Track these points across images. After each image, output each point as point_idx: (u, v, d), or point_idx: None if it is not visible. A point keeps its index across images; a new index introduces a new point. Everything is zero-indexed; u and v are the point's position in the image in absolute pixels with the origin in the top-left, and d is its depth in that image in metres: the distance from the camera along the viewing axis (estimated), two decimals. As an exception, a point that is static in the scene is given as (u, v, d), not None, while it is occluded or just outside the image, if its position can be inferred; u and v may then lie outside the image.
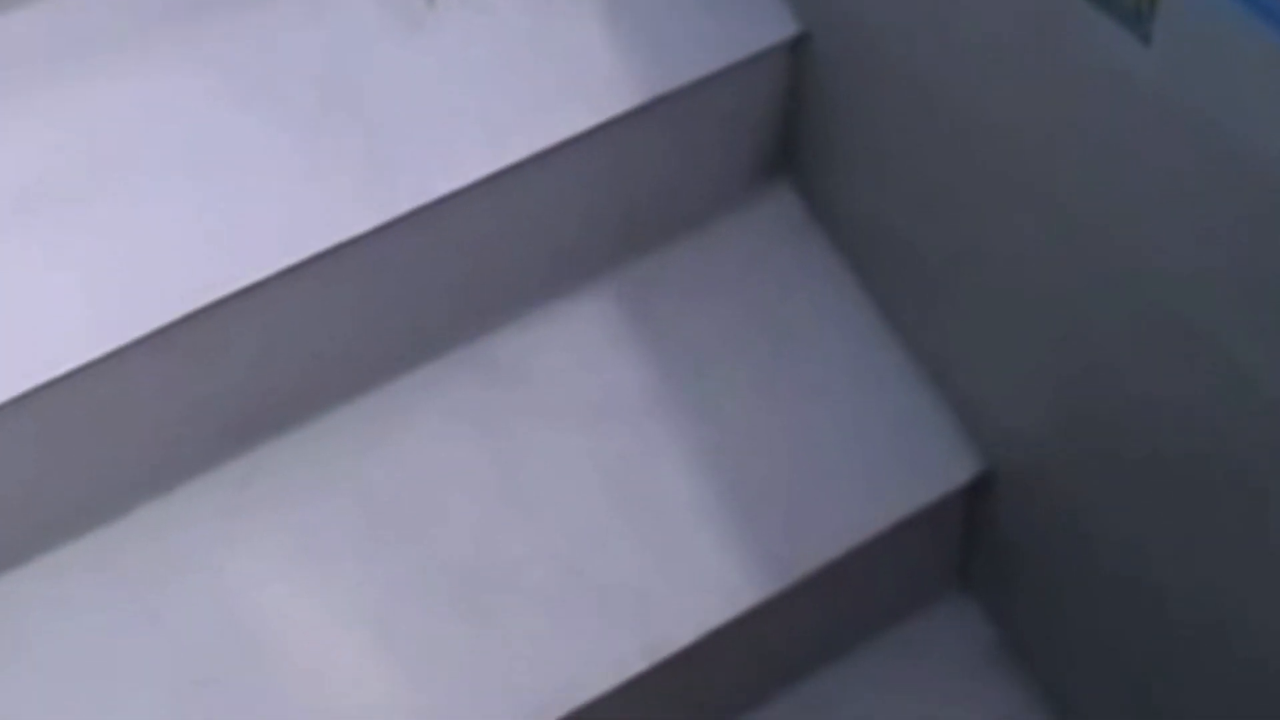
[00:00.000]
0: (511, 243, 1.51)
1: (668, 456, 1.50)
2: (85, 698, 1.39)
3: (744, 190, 1.63)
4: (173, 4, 1.48)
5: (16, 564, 1.42)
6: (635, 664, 1.42)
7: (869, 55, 1.46)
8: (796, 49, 1.53)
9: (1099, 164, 1.19)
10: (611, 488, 1.49)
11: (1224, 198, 1.06)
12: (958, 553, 1.62)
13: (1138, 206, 1.16)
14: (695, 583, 1.45)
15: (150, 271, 1.36)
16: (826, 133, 1.57)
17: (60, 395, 1.33)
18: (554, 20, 1.51)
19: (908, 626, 1.62)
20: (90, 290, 1.35)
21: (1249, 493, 1.19)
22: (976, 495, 1.53)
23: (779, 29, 1.52)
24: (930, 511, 1.50)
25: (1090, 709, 1.55)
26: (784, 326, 1.56)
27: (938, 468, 1.50)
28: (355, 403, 1.51)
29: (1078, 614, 1.51)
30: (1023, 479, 1.50)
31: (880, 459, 1.50)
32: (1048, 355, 1.38)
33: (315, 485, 1.48)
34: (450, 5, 1.50)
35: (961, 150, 1.36)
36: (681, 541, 1.47)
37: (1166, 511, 1.31)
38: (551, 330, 1.56)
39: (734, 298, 1.58)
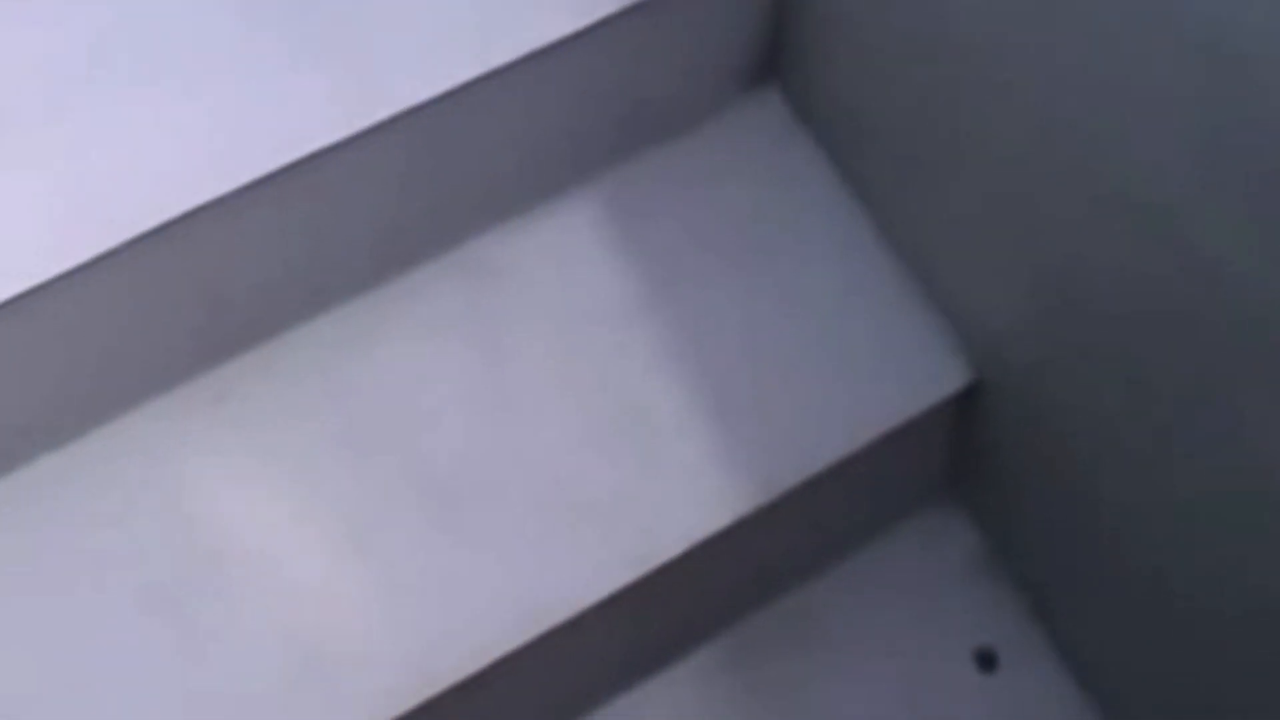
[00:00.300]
0: (496, 147, 1.47)
1: (653, 365, 1.48)
2: (53, 608, 1.37)
3: (731, 95, 1.59)
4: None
5: (-13, 477, 1.44)
6: (619, 577, 1.40)
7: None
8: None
9: (1073, 60, 1.16)
10: (596, 396, 1.46)
11: (1184, 85, 1.05)
12: (945, 461, 1.60)
13: (1107, 99, 1.14)
14: (681, 494, 1.43)
15: (121, 182, 1.32)
16: (813, 36, 1.53)
17: (30, 309, 1.30)
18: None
19: (894, 536, 1.60)
20: (60, 202, 1.32)
21: (1222, 382, 1.17)
22: (964, 404, 1.51)
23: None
24: (918, 421, 1.47)
25: (1077, 615, 1.55)
26: (771, 232, 1.53)
27: (926, 377, 1.47)
28: (335, 311, 1.48)
29: (1064, 520, 1.49)
30: (1009, 386, 1.48)
31: (868, 368, 1.47)
32: (1029, 253, 1.36)
33: (292, 397, 1.45)
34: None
35: (945, 51, 1.33)
36: (667, 452, 1.44)
37: (1146, 410, 1.29)
38: (535, 235, 1.53)
39: (720, 203, 1.54)
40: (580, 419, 1.45)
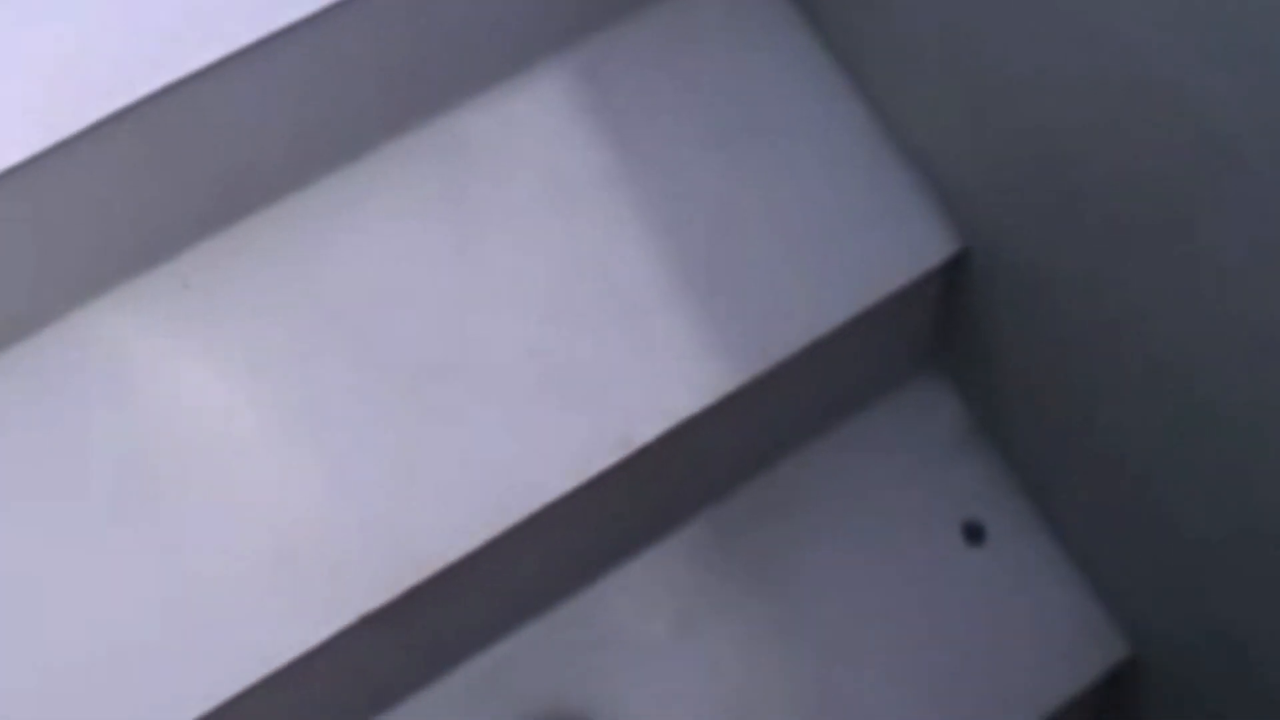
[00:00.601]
0: (466, 18, 1.40)
1: (632, 240, 1.43)
2: (14, 505, 1.33)
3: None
4: None
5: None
6: (602, 459, 1.36)
7: None
8: None
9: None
10: (574, 272, 1.42)
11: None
12: (930, 333, 1.56)
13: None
14: (665, 371, 1.39)
15: (84, 63, 1.26)
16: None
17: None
18: None
19: (879, 408, 1.57)
20: (21, 84, 1.26)
21: (1211, 252, 1.14)
22: (951, 274, 1.47)
23: None
24: (906, 292, 1.43)
25: (1065, 487, 1.53)
26: (754, 101, 1.47)
27: (913, 247, 1.43)
28: (302, 192, 1.42)
29: (1051, 391, 1.47)
30: (997, 256, 1.43)
31: (855, 238, 1.42)
32: (1021, 122, 1.31)
33: (260, 281, 1.40)
34: None
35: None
36: (650, 329, 1.40)
37: (1136, 281, 1.25)
38: (508, 109, 1.46)
39: (698, 72, 1.48)
40: (558, 296, 1.41)
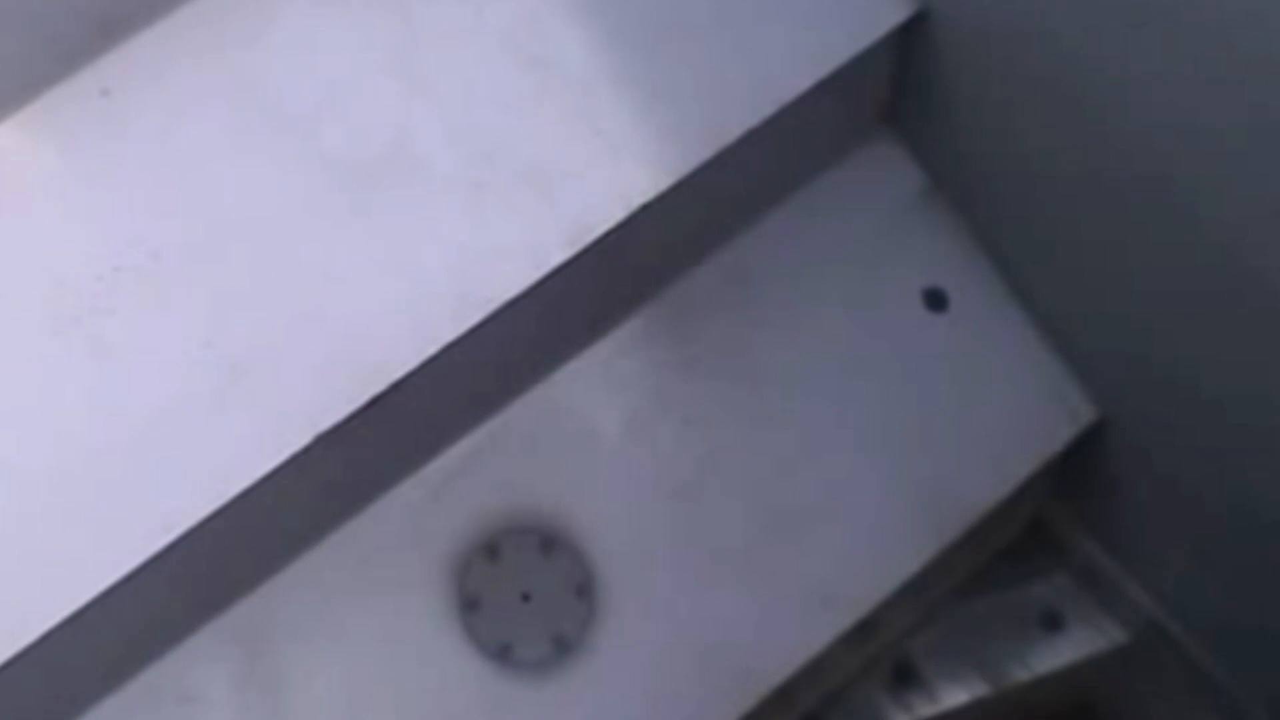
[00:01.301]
0: None
1: (579, 20, 1.34)
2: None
3: None
4: None
5: None
6: (556, 254, 1.29)
7: None
8: None
9: None
10: (520, 58, 1.32)
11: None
12: (885, 97, 1.48)
13: None
14: (617, 159, 1.31)
15: None
16: None
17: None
18: None
19: (832, 177, 1.49)
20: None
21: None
22: (909, 36, 1.38)
23: None
24: (863, 58, 1.35)
25: (1025, 250, 1.48)
26: None
27: (870, 11, 1.36)
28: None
29: (1008, 150, 1.40)
30: (955, 16, 1.36)
31: (809, 5, 1.35)
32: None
33: (185, 83, 1.30)
34: None
35: None
36: (599, 115, 1.31)
37: (1092, 35, 1.19)
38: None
39: None
40: (506, 85, 1.31)
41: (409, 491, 1.41)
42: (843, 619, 1.42)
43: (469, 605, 1.40)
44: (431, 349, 1.28)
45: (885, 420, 1.46)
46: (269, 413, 1.26)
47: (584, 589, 1.41)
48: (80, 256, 1.26)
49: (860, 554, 1.44)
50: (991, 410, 1.47)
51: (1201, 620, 1.54)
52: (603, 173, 1.31)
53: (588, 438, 1.45)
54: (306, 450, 1.25)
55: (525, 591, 1.41)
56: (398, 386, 1.27)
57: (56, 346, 1.25)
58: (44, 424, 1.24)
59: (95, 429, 1.24)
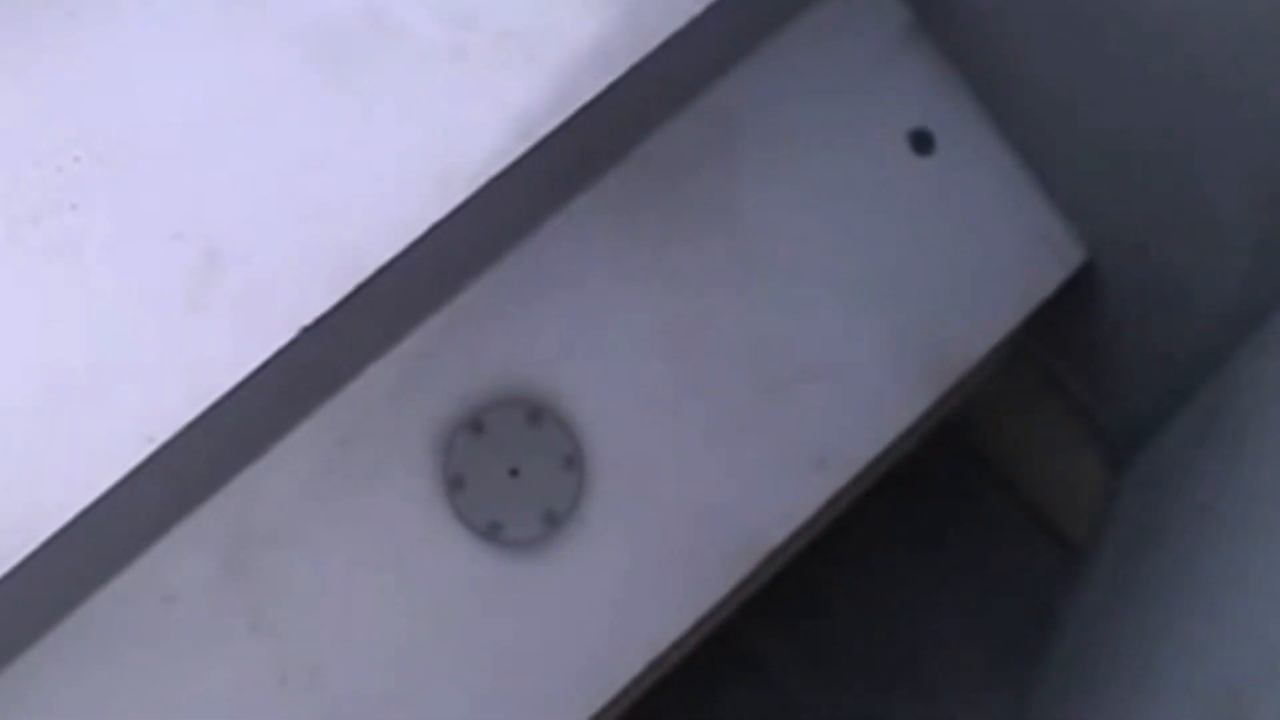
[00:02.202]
0: None
1: None
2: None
3: None
4: None
5: None
6: (543, 123, 1.18)
7: None
8: None
9: None
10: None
11: None
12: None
13: None
14: (603, 18, 1.21)
15: None
16: None
17: None
18: None
19: (815, 15, 1.39)
20: None
21: None
22: None
23: None
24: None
25: (1014, 87, 1.40)
26: None
27: None
28: None
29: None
30: None
31: None
32: None
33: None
34: None
35: None
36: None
37: None
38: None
39: None
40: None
41: (386, 371, 1.32)
42: (838, 478, 1.37)
43: (455, 484, 1.33)
44: (418, 230, 1.18)
45: (873, 271, 1.39)
46: (247, 308, 1.16)
47: (573, 460, 1.35)
48: (33, 148, 1.14)
49: (853, 411, 1.38)
50: (980, 256, 1.41)
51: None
52: (588, 31, 1.22)
53: (570, 304, 1.36)
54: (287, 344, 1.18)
55: (513, 466, 1.34)
56: (381, 271, 1.19)
57: (15, 250, 1.14)
58: (8, 337, 1.14)
59: (64, 338, 1.13)
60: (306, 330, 1.16)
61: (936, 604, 1.88)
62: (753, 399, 1.38)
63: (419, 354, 1.34)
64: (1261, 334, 1.28)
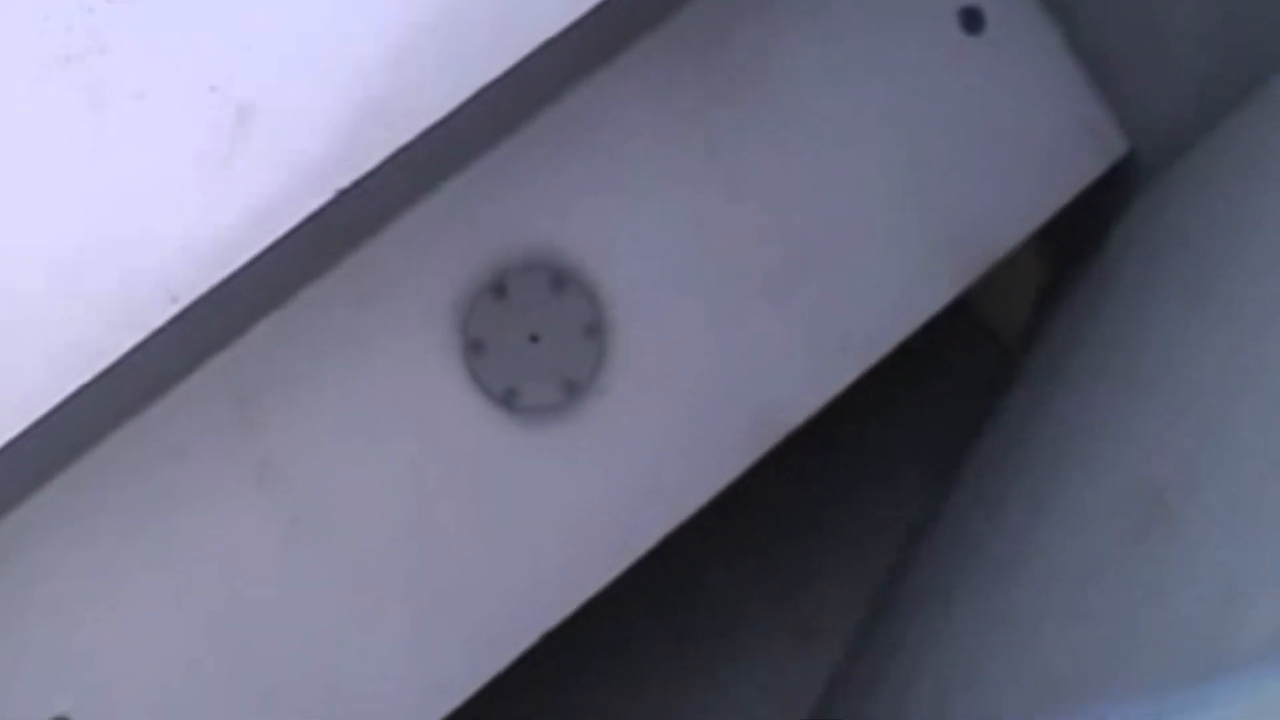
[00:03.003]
0: None
1: None
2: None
3: None
4: None
5: None
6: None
7: None
8: None
9: None
10: None
11: None
12: None
13: None
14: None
15: None
16: None
17: None
18: None
19: None
20: None
21: None
22: None
23: None
24: None
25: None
26: None
27: None
28: None
29: None
30: None
31: None
32: None
33: None
34: None
35: None
36: None
37: None
38: None
39: None
40: None
41: (410, 227, 1.26)
42: (861, 361, 1.33)
43: (474, 348, 1.27)
44: (466, 92, 1.11)
45: (911, 150, 1.33)
46: (282, 167, 1.09)
47: (594, 329, 1.30)
48: None
49: (881, 293, 1.33)
50: (1021, 141, 1.34)
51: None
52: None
53: (602, 169, 1.29)
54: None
55: (533, 332, 1.29)
56: (421, 135, 1.12)
57: (43, 92, 1.06)
58: (34, 184, 1.07)
59: (91, 188, 1.06)
60: (342, 193, 1.11)
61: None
62: (780, 275, 1.32)
63: (445, 212, 1.27)
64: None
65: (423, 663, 1.28)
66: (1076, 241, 1.44)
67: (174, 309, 1.08)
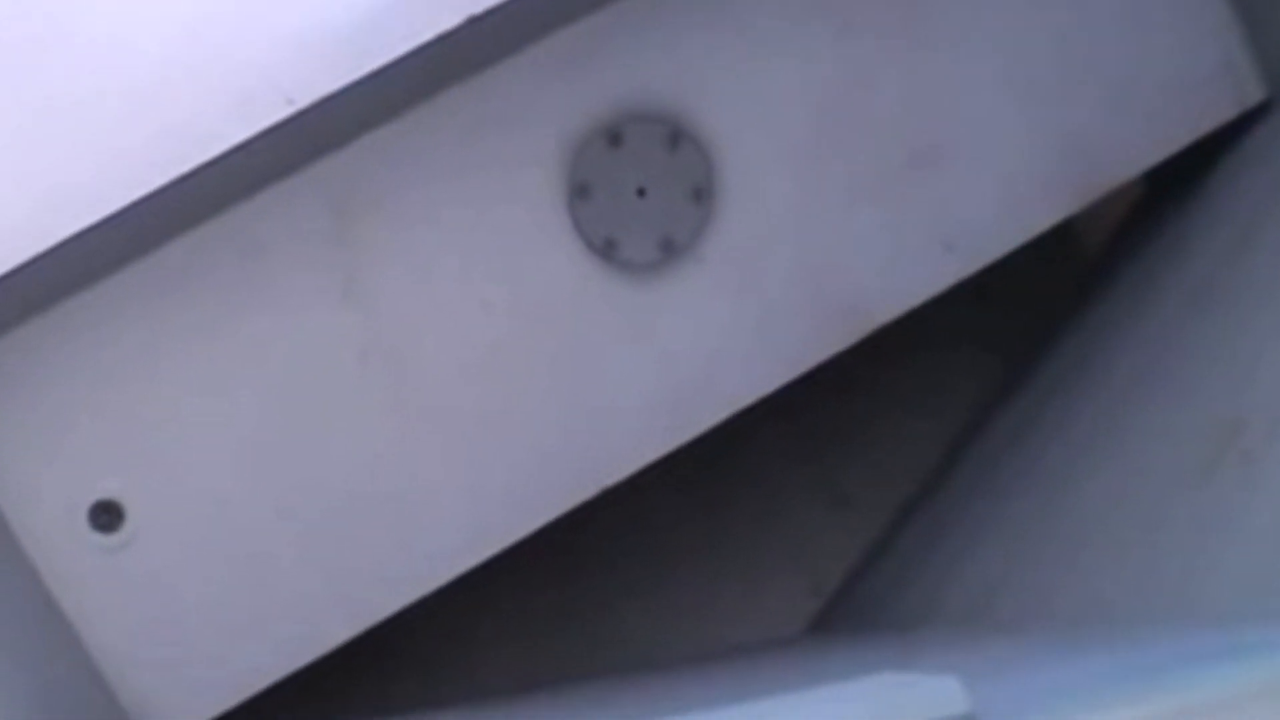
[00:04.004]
0: None
1: None
2: None
3: None
4: None
5: None
6: None
7: None
8: None
9: None
10: None
11: None
12: None
13: None
14: None
15: None
16: None
17: None
18: None
19: None
20: None
21: None
22: None
23: None
24: None
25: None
26: None
27: None
28: None
29: None
30: None
31: None
32: None
33: None
34: None
35: None
36: None
37: None
38: None
39: None
40: None
41: (534, 59, 1.20)
42: (962, 266, 1.29)
43: (579, 192, 1.23)
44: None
45: (1047, 65, 1.27)
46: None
47: (703, 192, 1.25)
48: None
49: (995, 201, 1.28)
50: (1158, 72, 1.28)
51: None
52: None
53: (736, 36, 1.23)
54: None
55: (641, 186, 1.24)
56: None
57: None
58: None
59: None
60: (474, 20, 1.06)
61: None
62: (893, 168, 1.27)
63: (570, 50, 1.21)
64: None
65: (472, 504, 1.25)
66: (1177, 164, 1.39)
67: (288, 110, 1.04)
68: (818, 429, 1.71)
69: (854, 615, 1.54)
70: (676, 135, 1.24)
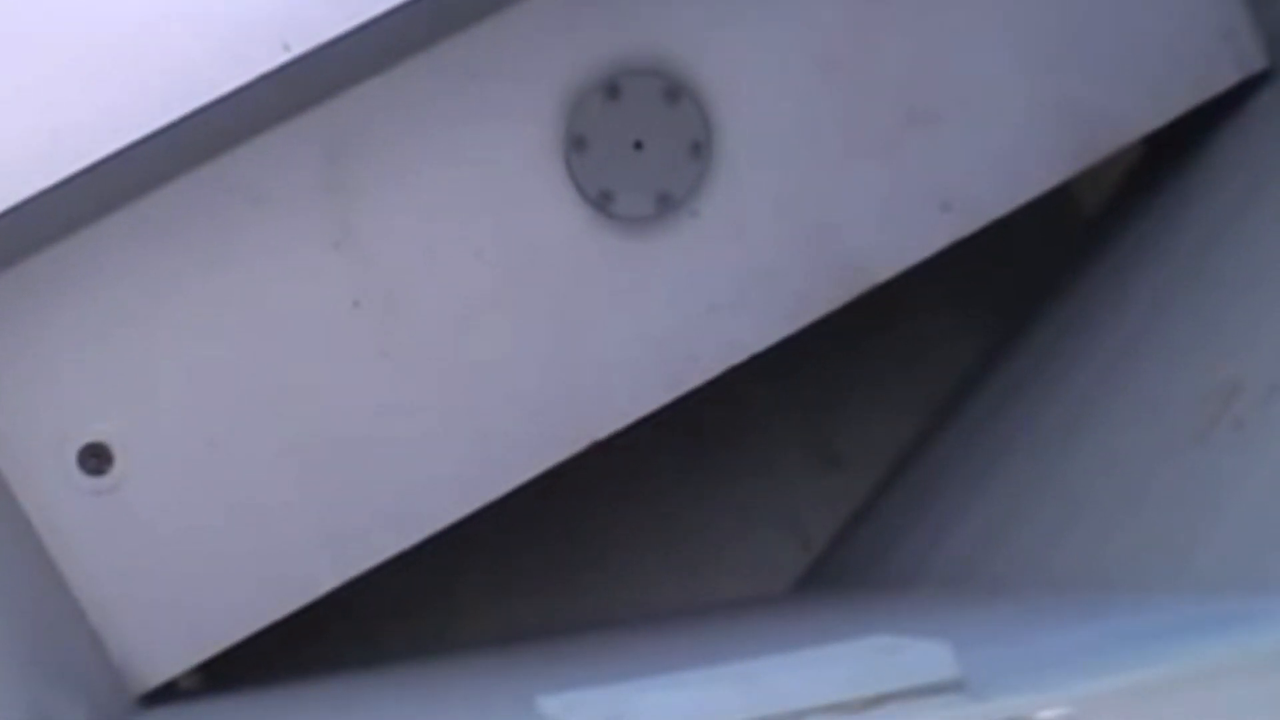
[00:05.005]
0: None
1: None
2: None
3: None
4: None
5: None
6: None
7: None
8: None
9: None
10: None
11: None
12: None
13: None
14: None
15: None
16: None
17: None
18: None
19: None
20: None
21: None
22: None
23: None
24: None
25: None
26: None
27: None
28: None
29: None
30: None
31: None
32: None
33: None
34: None
35: None
36: None
37: None
38: None
39: None
40: None
41: (532, 10, 1.18)
42: (959, 226, 1.26)
43: (576, 144, 1.21)
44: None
45: (1049, 28, 1.25)
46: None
47: (700, 147, 1.22)
48: None
49: (993, 162, 1.26)
50: (1159, 38, 1.26)
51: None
52: None
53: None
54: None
55: (638, 139, 1.22)
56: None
57: None
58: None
59: None
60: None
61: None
62: (892, 127, 1.25)
63: (571, 1, 1.20)
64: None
65: (462, 453, 1.23)
66: (1176, 129, 1.37)
67: (285, 56, 1.02)
68: (810, 389, 1.70)
69: (843, 573, 1.53)
70: (675, 89, 1.21)
